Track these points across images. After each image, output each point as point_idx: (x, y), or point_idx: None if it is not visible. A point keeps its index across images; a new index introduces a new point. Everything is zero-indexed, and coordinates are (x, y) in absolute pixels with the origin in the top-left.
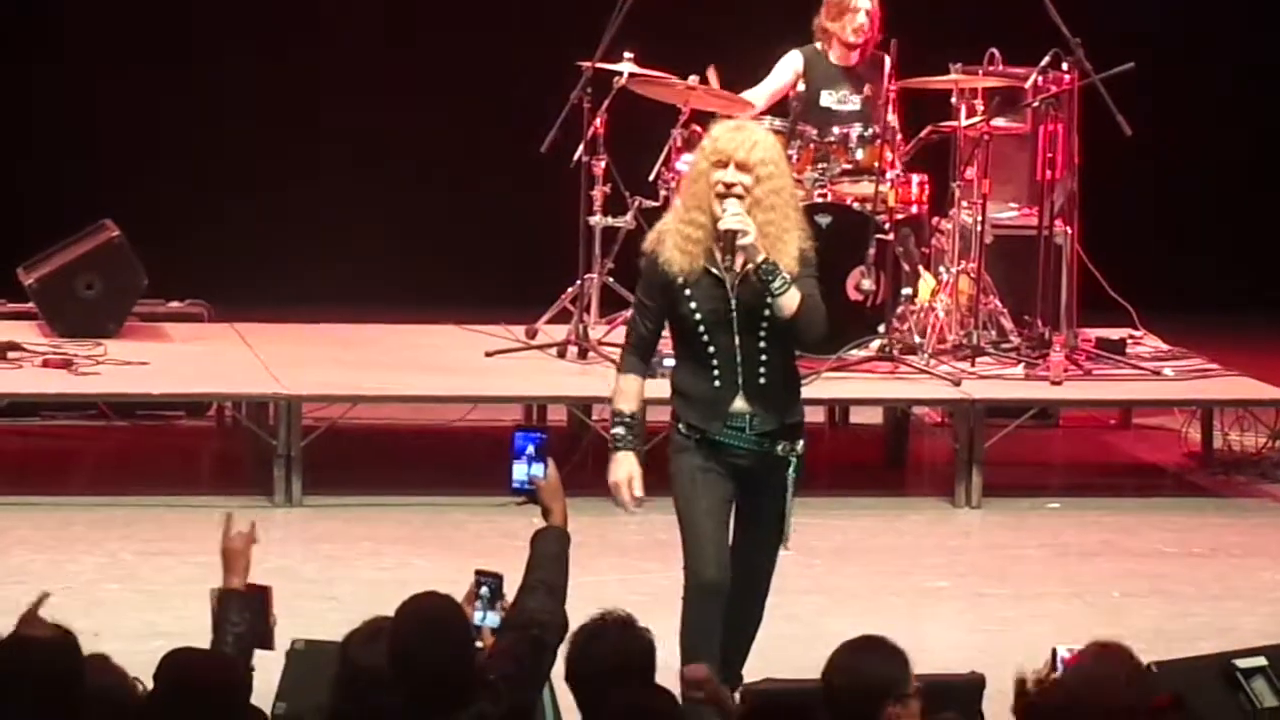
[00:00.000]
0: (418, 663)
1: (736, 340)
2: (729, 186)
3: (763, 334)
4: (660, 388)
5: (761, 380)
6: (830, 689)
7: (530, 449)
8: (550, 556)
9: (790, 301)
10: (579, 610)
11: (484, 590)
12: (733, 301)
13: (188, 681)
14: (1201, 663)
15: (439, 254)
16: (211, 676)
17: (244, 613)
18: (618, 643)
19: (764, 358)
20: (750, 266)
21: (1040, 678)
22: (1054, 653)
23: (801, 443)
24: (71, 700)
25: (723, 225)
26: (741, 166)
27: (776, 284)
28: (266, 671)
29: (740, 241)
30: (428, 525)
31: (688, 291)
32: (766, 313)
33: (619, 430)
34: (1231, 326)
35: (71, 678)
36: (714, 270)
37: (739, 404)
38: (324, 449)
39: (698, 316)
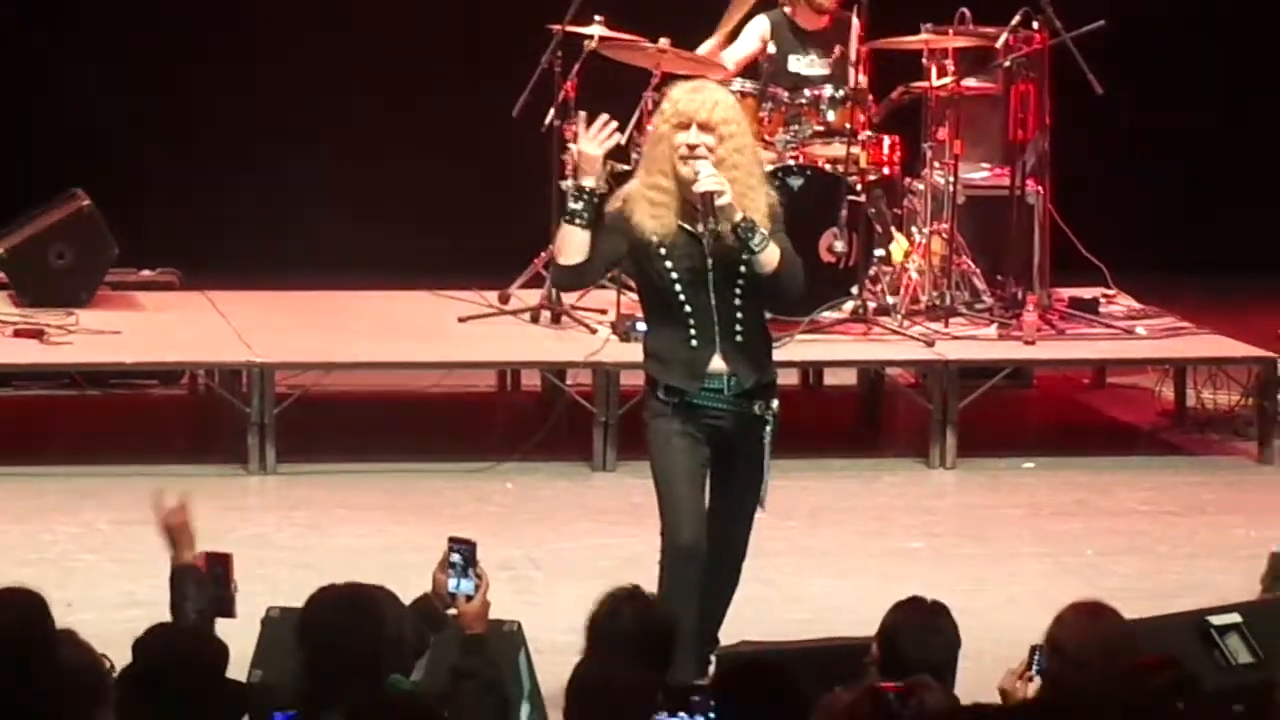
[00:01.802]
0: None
1: (713, 299)
2: (692, 148)
3: (738, 291)
4: (634, 352)
5: (739, 338)
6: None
7: (457, 559)
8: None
9: (771, 257)
10: (557, 578)
11: (456, 557)
12: (709, 260)
13: (164, 659)
14: (1176, 620)
15: (411, 219)
16: (187, 652)
17: (201, 586)
18: (639, 617)
19: (740, 315)
20: (727, 226)
21: (1020, 674)
22: (1032, 651)
23: (776, 402)
24: (42, 666)
25: (699, 188)
26: (704, 127)
27: (756, 240)
28: (242, 639)
29: (718, 202)
30: (402, 491)
31: (663, 251)
32: (742, 270)
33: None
34: (1204, 285)
35: (40, 643)
36: (689, 229)
37: (717, 363)
38: (297, 416)
39: (674, 276)
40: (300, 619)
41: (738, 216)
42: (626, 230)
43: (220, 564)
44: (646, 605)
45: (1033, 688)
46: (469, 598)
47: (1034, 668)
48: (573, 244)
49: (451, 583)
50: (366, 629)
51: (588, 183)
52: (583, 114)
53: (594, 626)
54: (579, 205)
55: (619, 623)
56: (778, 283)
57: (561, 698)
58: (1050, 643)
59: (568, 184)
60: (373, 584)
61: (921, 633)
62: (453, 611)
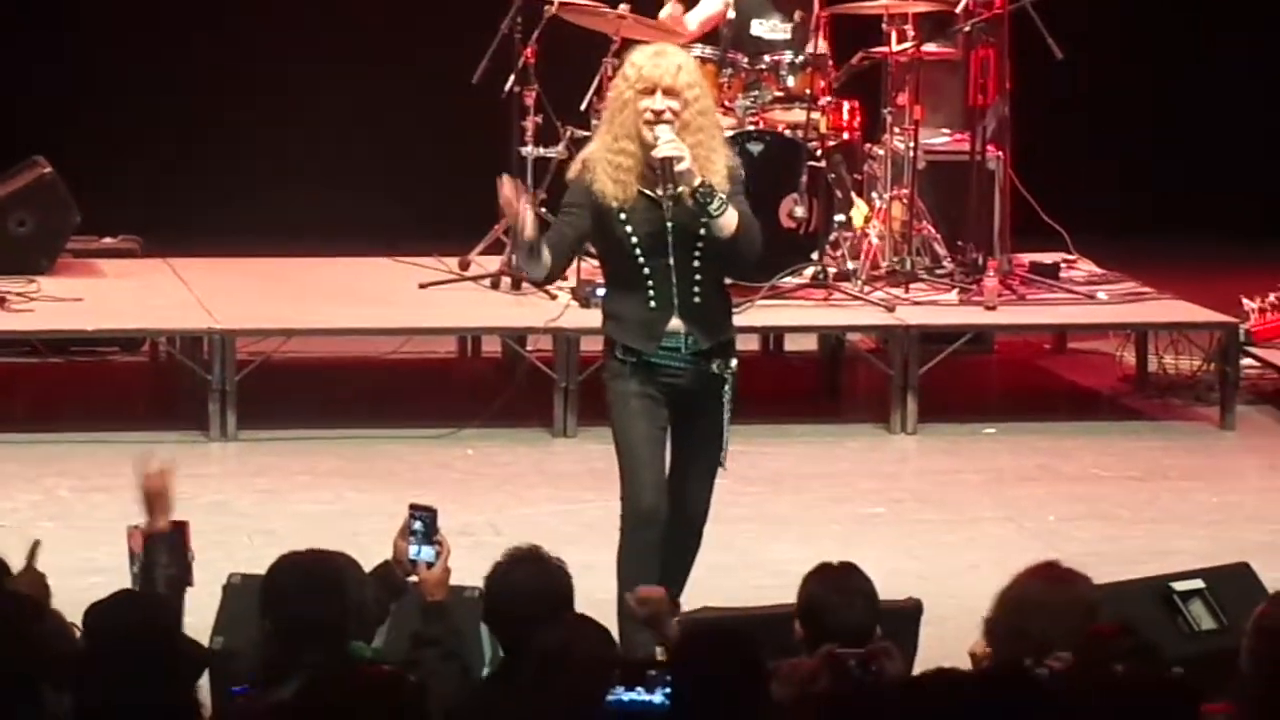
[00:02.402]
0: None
1: (671, 261)
2: (658, 113)
3: (697, 254)
4: (594, 318)
5: (696, 300)
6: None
7: (418, 526)
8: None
9: (729, 221)
10: (518, 543)
11: (417, 525)
12: (668, 224)
13: (119, 628)
14: (1138, 586)
15: (371, 186)
16: (143, 618)
17: (172, 553)
18: (532, 578)
19: (698, 277)
20: (686, 190)
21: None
22: None
23: (735, 360)
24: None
25: (659, 154)
26: (669, 92)
27: (714, 206)
28: (203, 606)
29: (678, 168)
30: (363, 458)
31: (623, 216)
32: (702, 232)
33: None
34: (1164, 250)
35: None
36: (649, 194)
37: (675, 323)
38: (258, 383)
39: (634, 240)
40: (261, 587)
41: (696, 181)
42: (588, 197)
43: (177, 532)
44: (540, 566)
45: None
46: (429, 565)
47: None
48: (536, 265)
49: (412, 550)
50: (328, 596)
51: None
52: (506, 178)
53: (490, 602)
54: (527, 249)
55: (513, 583)
56: (736, 246)
57: None
58: (1004, 604)
59: (518, 250)
60: (333, 550)
61: (839, 598)
62: (414, 579)
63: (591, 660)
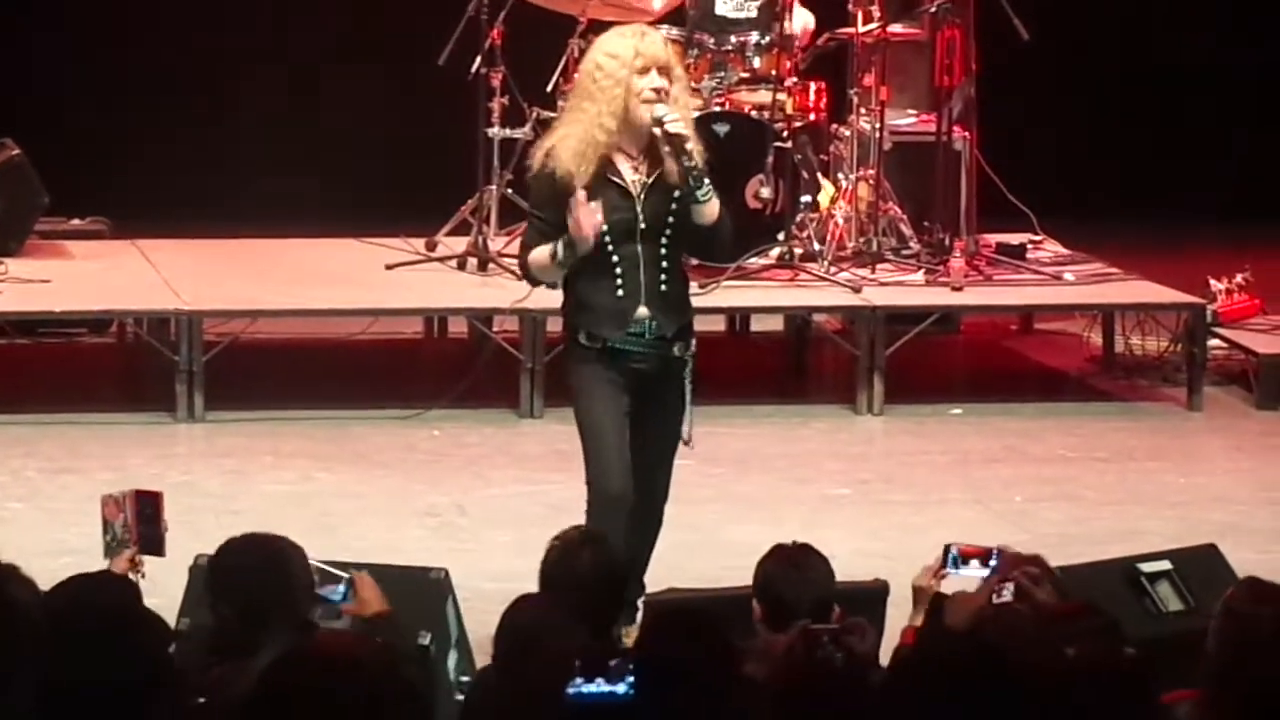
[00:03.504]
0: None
1: (640, 250)
2: (658, 91)
3: (665, 241)
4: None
5: (663, 287)
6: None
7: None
8: None
9: (714, 208)
10: (483, 525)
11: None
12: (639, 211)
13: (78, 608)
14: (1106, 567)
15: (338, 167)
16: (94, 596)
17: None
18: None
19: (665, 264)
20: (679, 170)
21: (934, 572)
22: (946, 550)
23: (694, 341)
24: None
25: (672, 129)
26: (663, 70)
27: (703, 190)
28: (172, 587)
29: (688, 145)
30: (330, 439)
31: (592, 205)
32: (670, 220)
33: (559, 246)
34: (1131, 231)
35: None
36: (618, 182)
37: (641, 311)
38: (226, 364)
39: (604, 228)
40: (208, 576)
41: (695, 161)
42: (556, 189)
43: (150, 503)
44: (603, 549)
45: (946, 584)
46: (344, 598)
47: (947, 566)
48: (552, 274)
49: (328, 598)
50: (276, 576)
51: (579, 246)
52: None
53: (549, 571)
54: (564, 258)
55: (576, 566)
56: (715, 232)
57: (489, 644)
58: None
59: (562, 245)
60: (273, 534)
61: (796, 578)
62: (342, 619)
63: (566, 637)
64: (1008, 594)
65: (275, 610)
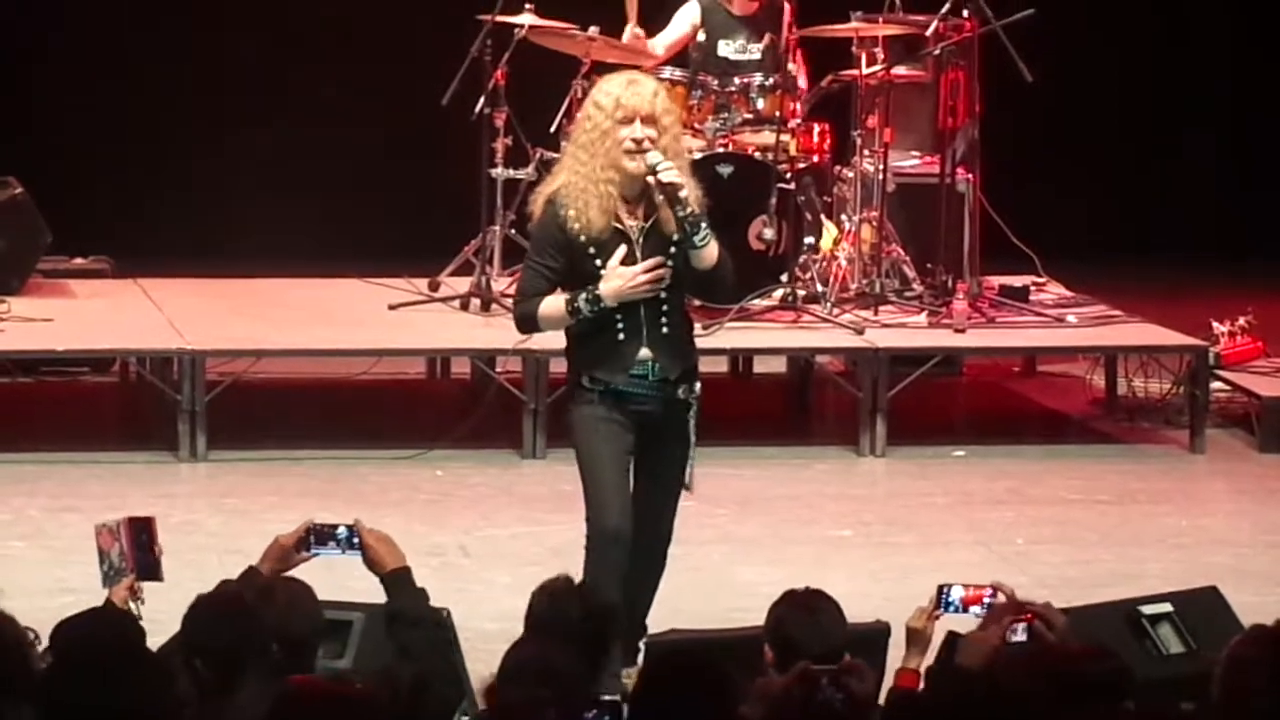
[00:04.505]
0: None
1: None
2: (638, 142)
3: (665, 285)
4: (563, 340)
5: (664, 330)
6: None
7: (314, 544)
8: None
9: (712, 252)
10: (486, 565)
11: (313, 544)
12: (639, 255)
13: (84, 646)
14: (1107, 609)
15: (342, 207)
16: (108, 635)
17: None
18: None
19: (665, 308)
20: (675, 218)
21: (929, 613)
22: (940, 590)
23: (698, 384)
24: None
25: (665, 178)
26: (648, 120)
27: (700, 236)
28: (172, 626)
29: (682, 194)
30: (332, 479)
31: (591, 250)
32: (669, 264)
33: (583, 298)
34: (1134, 273)
35: None
36: (618, 226)
37: (643, 353)
38: (228, 404)
39: (603, 274)
40: (181, 636)
41: (690, 209)
42: (559, 234)
43: (144, 529)
44: (587, 594)
45: (938, 626)
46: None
47: (941, 607)
48: (560, 325)
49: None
50: (239, 622)
51: (610, 303)
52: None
53: (534, 617)
54: (587, 313)
55: (563, 611)
56: (714, 275)
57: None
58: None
59: (586, 300)
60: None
61: (809, 623)
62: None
63: (569, 675)
64: (1021, 633)
65: (248, 660)
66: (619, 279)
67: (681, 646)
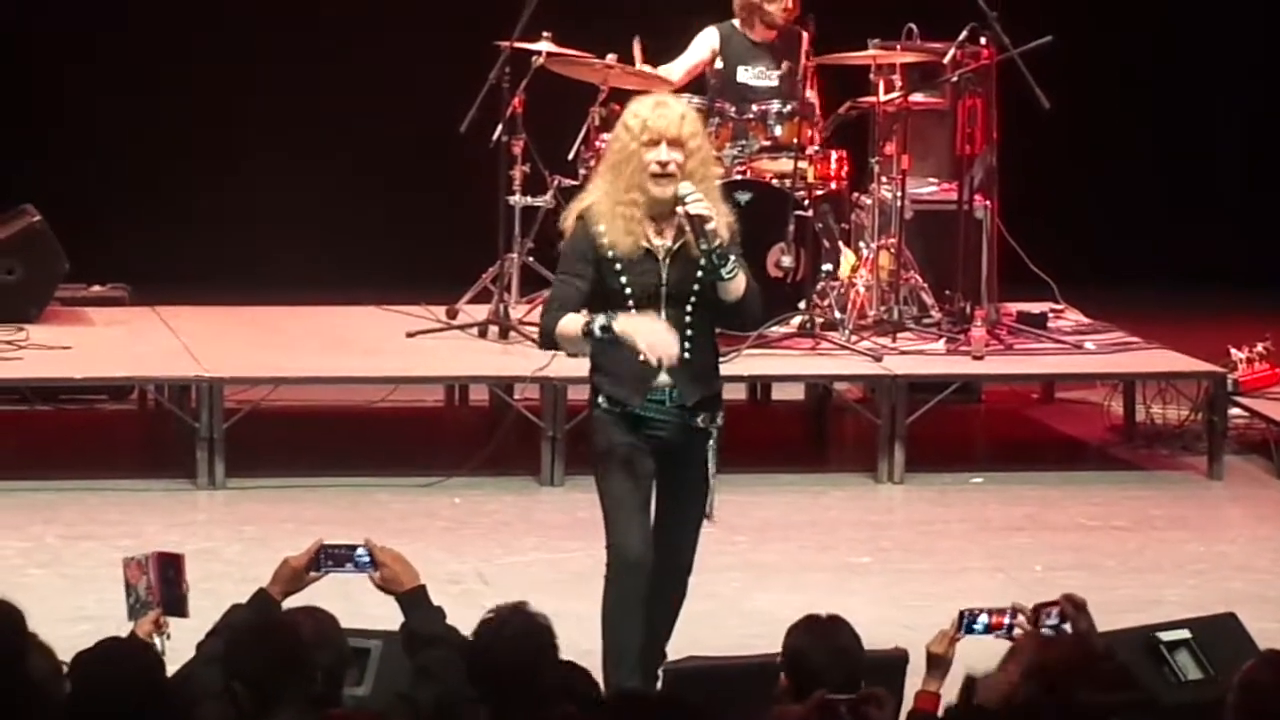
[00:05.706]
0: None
1: (663, 315)
2: (663, 165)
3: (690, 308)
4: (582, 367)
5: (686, 355)
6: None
7: (329, 564)
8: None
9: (739, 285)
10: (505, 593)
11: (328, 564)
12: (664, 276)
13: (103, 677)
14: (1125, 636)
15: (359, 235)
16: (127, 666)
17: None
18: (522, 631)
19: (689, 332)
20: (705, 248)
21: (950, 638)
22: (961, 615)
23: (721, 414)
24: (13, 677)
25: (693, 210)
26: (674, 143)
27: (728, 269)
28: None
29: (709, 226)
30: (351, 506)
31: (618, 267)
32: (695, 288)
33: (600, 321)
34: (1152, 299)
35: (13, 653)
36: (646, 246)
37: (663, 377)
38: (246, 431)
39: (628, 291)
40: (224, 654)
41: (716, 242)
42: (590, 248)
43: (172, 565)
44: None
45: (959, 648)
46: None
47: (962, 631)
48: (575, 346)
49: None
50: (286, 650)
51: (618, 336)
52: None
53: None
54: (598, 335)
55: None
56: (741, 307)
57: None
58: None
59: (601, 325)
60: (289, 611)
61: (826, 650)
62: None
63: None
64: (1054, 618)
65: (288, 688)
66: (645, 327)
67: (700, 673)
